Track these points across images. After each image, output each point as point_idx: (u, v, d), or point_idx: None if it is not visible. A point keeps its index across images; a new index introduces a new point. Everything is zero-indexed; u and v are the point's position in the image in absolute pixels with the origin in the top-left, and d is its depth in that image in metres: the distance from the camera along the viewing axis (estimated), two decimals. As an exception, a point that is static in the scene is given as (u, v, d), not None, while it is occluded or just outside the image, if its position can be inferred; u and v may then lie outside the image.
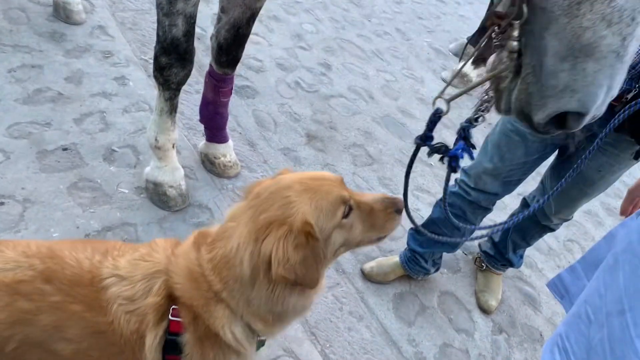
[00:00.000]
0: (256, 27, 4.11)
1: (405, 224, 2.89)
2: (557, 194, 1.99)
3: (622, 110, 1.49)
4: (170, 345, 1.13)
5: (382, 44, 4.93)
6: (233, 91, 2.64)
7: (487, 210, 2.32)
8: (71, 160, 2.49)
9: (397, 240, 2.82)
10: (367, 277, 2.57)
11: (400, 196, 1.28)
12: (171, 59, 2.08)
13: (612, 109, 1.79)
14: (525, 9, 0.97)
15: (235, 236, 1.09)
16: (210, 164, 2.71)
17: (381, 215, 1.19)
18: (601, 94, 0.96)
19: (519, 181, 2.15)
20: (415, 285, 2.65)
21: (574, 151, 2.02)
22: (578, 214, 3.24)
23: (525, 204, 2.50)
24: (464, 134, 1.29)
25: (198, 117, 2.70)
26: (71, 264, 1.14)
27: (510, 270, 2.91)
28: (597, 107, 0.98)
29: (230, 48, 2.35)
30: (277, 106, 3.48)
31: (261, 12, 2.38)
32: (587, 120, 1.01)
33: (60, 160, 2.47)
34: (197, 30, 2.18)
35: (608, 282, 1.00)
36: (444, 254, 2.70)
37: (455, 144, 1.31)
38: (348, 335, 2.27)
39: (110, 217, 2.31)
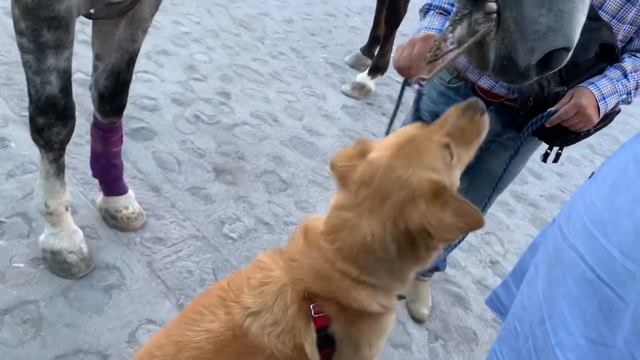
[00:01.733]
0: (145, 64, 3.96)
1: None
2: (471, 196, 2.06)
3: (535, 119, 1.75)
4: (322, 340, 1.14)
5: (279, 65, 4.90)
6: (127, 135, 2.49)
7: None
8: (-49, 240, 2.23)
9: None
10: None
11: (474, 97, 1.27)
12: (50, 119, 1.90)
13: (511, 110, 1.88)
14: None
15: (364, 226, 1.09)
16: (112, 219, 2.53)
17: (472, 127, 1.20)
18: (579, 30, 1.09)
19: None
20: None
21: (479, 152, 2.10)
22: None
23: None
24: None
25: (91, 172, 2.51)
26: (204, 337, 1.14)
27: (436, 274, 2.93)
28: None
29: (112, 96, 2.20)
30: (178, 144, 3.33)
31: (148, 47, 2.27)
32: (568, 56, 1.14)
33: (-63, 243, 2.20)
34: (81, 76, 2.03)
35: (530, 293, 1.00)
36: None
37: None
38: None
39: (6, 298, 2.08)
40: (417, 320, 2.71)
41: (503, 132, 1.96)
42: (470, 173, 2.13)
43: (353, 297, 1.13)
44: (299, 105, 4.35)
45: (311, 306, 1.13)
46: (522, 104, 1.84)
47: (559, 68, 1.18)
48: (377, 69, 4.78)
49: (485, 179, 2.07)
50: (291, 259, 1.19)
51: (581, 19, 1.07)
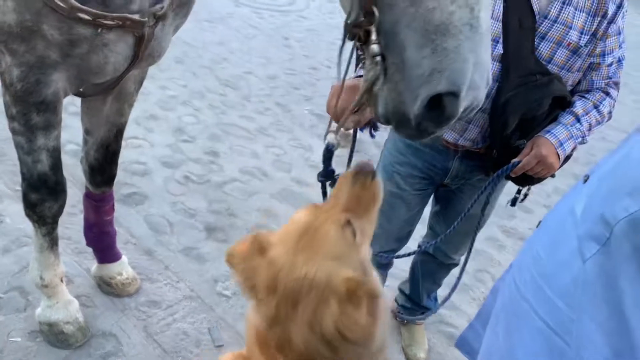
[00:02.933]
0: (135, 129, 4.08)
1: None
2: (451, 236, 2.14)
3: (501, 171, 1.85)
4: None
5: (265, 121, 5.03)
6: (119, 202, 2.57)
7: (390, 265, 2.43)
8: (-52, 320, 2.27)
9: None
10: None
11: (360, 160, 1.17)
12: (42, 194, 1.99)
13: (477, 155, 1.98)
14: (375, 10, 0.99)
15: (294, 338, 0.99)
16: (107, 286, 2.57)
17: (367, 193, 1.10)
18: (468, 69, 0.97)
19: (409, 233, 2.29)
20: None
21: (451, 195, 2.19)
22: (480, 244, 3.40)
23: (423, 251, 2.59)
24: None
25: (85, 241, 2.58)
26: None
27: (431, 316, 2.96)
28: (470, 87, 0.99)
29: (103, 167, 2.30)
30: (169, 206, 3.41)
31: (137, 113, 2.38)
32: (463, 103, 1.01)
33: None
34: (72, 147, 2.12)
35: (493, 341, 1.05)
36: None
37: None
38: None
39: (4, 374, 2.11)
40: (416, 365, 2.72)
41: (472, 175, 2.07)
42: (447, 217, 2.23)
43: None
44: (287, 157, 4.46)
45: None
46: (487, 151, 1.94)
47: (455, 117, 1.04)
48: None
49: (464, 219, 2.14)
50: None
51: (471, 57, 0.96)
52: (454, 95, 0.99)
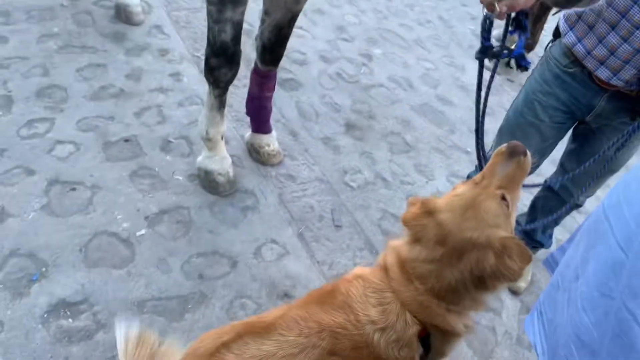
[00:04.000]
0: (301, 20, 4.33)
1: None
2: (580, 175, 2.15)
3: None
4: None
5: (424, 33, 5.04)
6: (277, 84, 2.87)
7: None
8: (132, 150, 2.79)
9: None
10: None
11: (510, 142, 1.43)
12: (220, 61, 2.31)
13: (627, 97, 1.91)
14: None
15: (447, 275, 1.31)
16: (255, 153, 2.96)
17: (517, 170, 1.37)
18: None
19: (536, 167, 2.29)
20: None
21: (590, 134, 2.15)
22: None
23: (547, 187, 2.62)
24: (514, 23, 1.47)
25: (245, 110, 2.94)
26: (341, 331, 1.31)
27: (541, 253, 3.03)
28: None
29: (273, 47, 2.57)
30: (318, 97, 3.70)
31: (306, 5, 2.57)
32: None
33: (122, 150, 2.77)
34: (245, 26, 2.40)
35: (572, 254, 1.17)
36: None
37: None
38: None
39: (167, 201, 2.60)
40: (513, 292, 2.84)
41: (616, 117, 1.99)
42: (582, 156, 2.20)
43: (447, 322, 1.35)
44: (437, 74, 4.49)
45: (417, 326, 1.35)
46: (639, 95, 1.86)
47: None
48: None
49: (598, 160, 2.13)
50: (398, 289, 1.37)
51: None
52: None
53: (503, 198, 1.31)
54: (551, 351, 1.12)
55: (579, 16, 1.85)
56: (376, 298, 1.37)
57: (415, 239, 1.37)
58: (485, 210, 1.28)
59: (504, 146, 1.42)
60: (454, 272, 1.29)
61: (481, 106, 1.98)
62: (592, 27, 1.81)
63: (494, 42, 1.70)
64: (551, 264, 1.41)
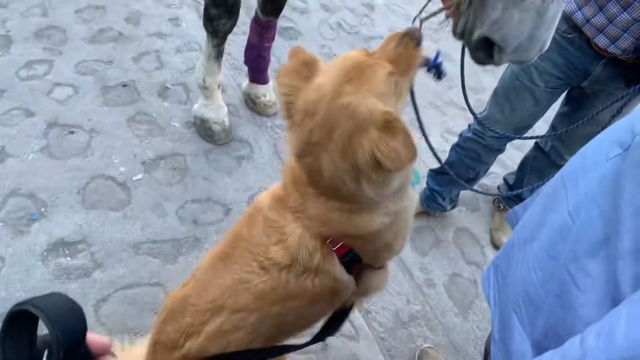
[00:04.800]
0: (303, -32, 4.26)
1: (428, 165, 3.11)
2: (569, 137, 2.19)
3: None
4: (349, 261, 1.24)
5: (429, -16, 4.94)
6: (277, 32, 2.87)
7: (501, 150, 2.53)
8: (130, 95, 2.82)
9: (422, 179, 3.07)
10: (387, 212, 2.83)
11: (411, 26, 1.22)
12: (219, 11, 2.31)
13: (623, 64, 1.94)
14: None
15: (323, 163, 1.08)
16: (251, 103, 2.99)
17: (410, 55, 1.14)
18: (521, 39, 1.13)
19: (529, 126, 2.34)
20: (433, 221, 2.91)
21: (584, 98, 2.18)
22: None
23: (538, 147, 2.67)
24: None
25: (243, 59, 2.95)
26: (250, 283, 1.20)
27: (527, 212, 3.11)
28: (518, 50, 1.16)
29: None
30: (318, 47, 3.69)
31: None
32: (507, 58, 1.20)
33: (120, 95, 2.81)
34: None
35: (530, 214, 1.24)
36: (467, 193, 2.94)
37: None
38: (366, 260, 2.58)
39: (163, 148, 2.65)
40: (496, 247, 2.94)
41: (612, 82, 2.01)
42: (574, 119, 2.24)
43: (356, 226, 1.18)
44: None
45: (328, 242, 1.20)
46: (636, 62, 1.88)
47: (498, 64, 1.22)
48: None
49: (589, 124, 2.16)
50: (295, 212, 1.21)
51: (525, 32, 1.11)
52: (501, 47, 1.16)
53: (393, 74, 1.07)
54: (502, 305, 1.19)
55: None
56: (275, 236, 1.21)
57: (287, 114, 1.13)
58: (372, 74, 1.04)
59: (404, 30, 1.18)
60: (326, 158, 1.06)
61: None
62: None
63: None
64: (512, 220, 1.47)
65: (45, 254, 2.09)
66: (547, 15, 1.11)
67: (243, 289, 1.19)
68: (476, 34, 1.18)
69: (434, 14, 1.40)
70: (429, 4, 1.46)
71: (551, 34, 1.16)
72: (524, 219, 1.26)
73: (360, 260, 1.26)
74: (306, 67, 1.11)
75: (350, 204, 1.14)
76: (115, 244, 2.19)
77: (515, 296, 1.08)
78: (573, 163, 1.09)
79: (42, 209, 2.22)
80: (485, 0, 1.14)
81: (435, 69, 1.51)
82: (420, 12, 1.41)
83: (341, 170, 1.05)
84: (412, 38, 1.12)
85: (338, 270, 1.22)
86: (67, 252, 2.12)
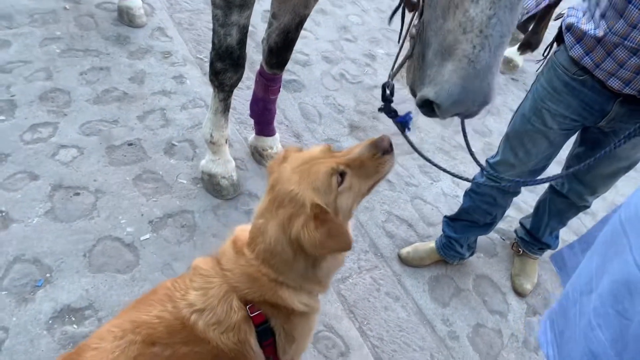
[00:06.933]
0: (303, 21, 4.32)
1: (441, 212, 3.04)
2: (590, 177, 2.11)
3: None
4: (262, 333, 1.35)
5: (427, 33, 5.01)
6: (281, 86, 2.86)
7: (517, 193, 2.46)
8: (136, 154, 2.78)
9: (435, 226, 2.98)
10: (403, 261, 2.74)
11: (383, 135, 1.36)
12: (225, 65, 2.30)
13: (638, 99, 1.88)
14: (421, 1, 1.15)
15: (268, 231, 1.27)
16: (259, 156, 2.95)
17: (372, 163, 1.30)
18: (456, 93, 1.09)
19: (544, 167, 2.29)
20: (451, 269, 2.81)
21: (601, 137, 2.12)
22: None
23: (553, 189, 2.60)
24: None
25: (249, 112, 2.93)
26: (157, 322, 1.29)
27: (548, 253, 3.00)
28: (457, 105, 1.12)
29: (280, 51, 2.56)
30: (322, 98, 3.68)
31: (310, 6, 2.55)
32: (447, 113, 1.17)
33: (126, 154, 2.76)
34: (249, 28, 2.38)
35: (586, 266, 1.14)
36: (483, 239, 2.84)
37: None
38: (385, 314, 2.47)
39: (170, 205, 2.59)
40: (519, 293, 2.83)
41: (630, 119, 1.93)
42: (595, 152, 2.15)
43: (279, 297, 1.32)
44: (441, 74, 4.46)
45: (247, 307, 1.32)
46: None
47: (443, 117, 1.22)
48: (527, 45, 4.70)
49: (610, 160, 2.09)
50: (226, 269, 1.35)
51: (460, 83, 1.07)
52: (437, 104, 1.14)
53: (340, 175, 1.25)
54: (564, 363, 1.10)
55: (585, 31, 1.82)
56: (199, 283, 1.36)
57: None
58: (314, 172, 1.24)
59: (377, 137, 1.35)
60: (272, 227, 1.26)
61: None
62: (600, 41, 1.78)
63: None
64: (558, 261, 1.38)
65: (50, 322, 1.99)
66: (479, 64, 1.06)
67: (157, 324, 1.29)
68: (418, 94, 1.20)
69: (400, 67, 1.46)
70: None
71: (492, 85, 1.11)
72: (580, 270, 1.18)
73: (273, 336, 1.38)
74: (283, 154, 1.38)
75: (279, 275, 1.31)
76: (123, 308, 2.09)
77: (579, 355, 0.98)
78: (633, 206, 1.01)
79: (47, 275, 2.14)
80: (425, 59, 1.16)
81: (401, 124, 1.55)
82: (392, 69, 1.49)
83: (280, 240, 1.26)
84: (378, 148, 1.29)
85: (252, 337, 1.34)
86: (74, 319, 2.02)
